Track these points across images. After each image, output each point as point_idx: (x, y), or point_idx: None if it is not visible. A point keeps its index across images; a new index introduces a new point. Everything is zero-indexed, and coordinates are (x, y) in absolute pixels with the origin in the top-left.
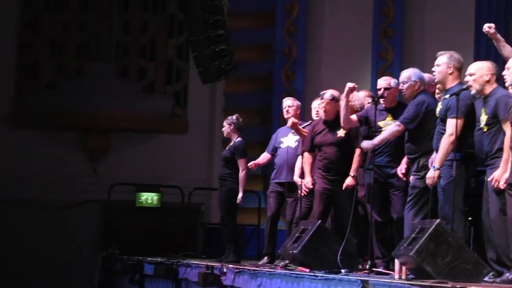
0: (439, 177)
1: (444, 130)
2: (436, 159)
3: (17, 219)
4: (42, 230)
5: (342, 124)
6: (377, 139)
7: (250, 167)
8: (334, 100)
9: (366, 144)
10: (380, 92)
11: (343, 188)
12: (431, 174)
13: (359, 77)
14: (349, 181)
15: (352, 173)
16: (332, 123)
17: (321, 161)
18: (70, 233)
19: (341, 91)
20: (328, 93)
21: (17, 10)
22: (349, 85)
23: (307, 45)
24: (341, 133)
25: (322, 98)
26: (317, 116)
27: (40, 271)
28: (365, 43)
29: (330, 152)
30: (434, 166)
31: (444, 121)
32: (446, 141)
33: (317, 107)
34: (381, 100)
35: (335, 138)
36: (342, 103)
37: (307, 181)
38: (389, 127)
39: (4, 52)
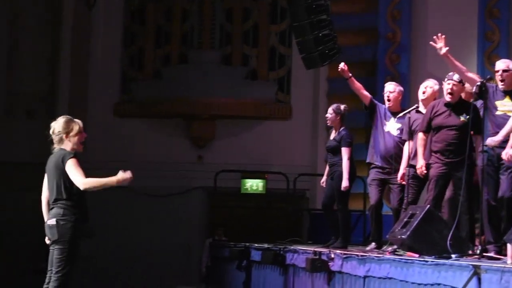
0: None
1: None
2: None
3: (124, 207)
4: (149, 217)
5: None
6: (501, 134)
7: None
8: (461, 83)
9: (490, 141)
10: (498, 74)
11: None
12: None
13: (465, 59)
14: None
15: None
16: (455, 106)
17: (439, 143)
18: (177, 219)
19: (447, 73)
20: (456, 75)
21: (122, 1)
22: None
23: (411, 28)
24: (464, 117)
25: (449, 79)
26: (423, 94)
27: (147, 257)
28: (470, 24)
29: (450, 135)
30: None
31: None
32: None
33: (425, 88)
34: (500, 83)
35: (457, 122)
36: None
37: (421, 165)
38: (511, 119)
39: (111, 43)
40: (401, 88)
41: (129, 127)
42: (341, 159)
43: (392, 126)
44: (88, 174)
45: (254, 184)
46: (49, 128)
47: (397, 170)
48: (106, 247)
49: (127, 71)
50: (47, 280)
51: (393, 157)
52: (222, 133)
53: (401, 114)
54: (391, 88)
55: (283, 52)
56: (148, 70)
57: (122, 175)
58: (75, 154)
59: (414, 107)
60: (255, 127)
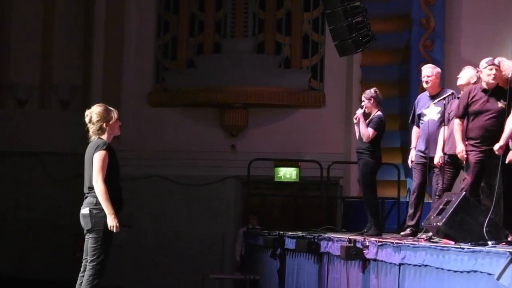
0: None
1: None
2: None
3: (158, 195)
4: (183, 206)
5: None
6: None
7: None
8: (500, 67)
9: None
10: None
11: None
12: None
13: (499, 45)
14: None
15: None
16: (493, 91)
17: (476, 130)
18: (211, 208)
19: (482, 59)
20: (497, 59)
21: None
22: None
23: (445, 14)
24: (502, 103)
25: (491, 64)
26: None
27: (181, 245)
28: (505, 11)
29: (489, 122)
30: None
31: None
32: None
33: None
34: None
35: (496, 108)
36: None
37: (461, 149)
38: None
39: (144, 32)
40: (439, 70)
41: (162, 116)
42: (368, 146)
43: (432, 112)
44: (121, 164)
45: (287, 172)
46: (84, 116)
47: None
48: (141, 236)
49: (160, 60)
50: (82, 269)
51: (435, 144)
52: (255, 122)
53: (439, 99)
54: (428, 72)
55: (316, 39)
56: (181, 59)
57: (114, 221)
58: (108, 146)
59: (450, 92)
60: (289, 115)
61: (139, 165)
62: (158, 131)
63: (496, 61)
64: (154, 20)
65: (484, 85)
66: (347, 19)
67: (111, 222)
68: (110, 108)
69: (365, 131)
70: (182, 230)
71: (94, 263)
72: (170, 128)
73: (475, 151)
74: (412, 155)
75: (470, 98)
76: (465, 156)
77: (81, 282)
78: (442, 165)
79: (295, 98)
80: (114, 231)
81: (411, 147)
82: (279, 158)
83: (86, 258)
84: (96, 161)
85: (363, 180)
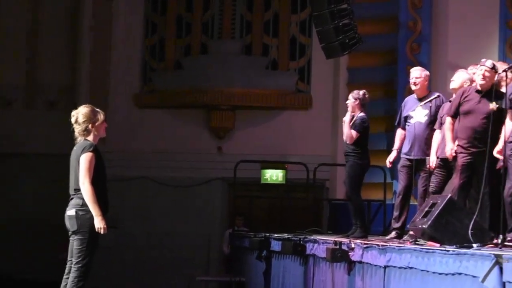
0: None
1: None
2: None
3: (144, 197)
4: (169, 208)
5: None
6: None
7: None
8: (494, 69)
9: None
10: None
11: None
12: None
13: (486, 47)
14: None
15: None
16: (486, 93)
17: (466, 130)
18: (197, 210)
19: (468, 62)
20: (489, 61)
21: None
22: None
23: (432, 17)
24: (493, 106)
25: (482, 65)
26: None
27: (167, 247)
28: (492, 13)
29: (478, 123)
30: None
31: None
32: None
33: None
34: None
35: (487, 109)
36: None
37: (450, 148)
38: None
39: (132, 33)
40: (427, 73)
41: (149, 118)
42: (355, 148)
43: (419, 114)
44: (108, 166)
45: (274, 174)
46: (70, 117)
47: (423, 159)
48: (127, 237)
49: (148, 61)
50: (66, 271)
51: (422, 144)
52: (242, 124)
53: (427, 101)
54: (417, 74)
55: (303, 41)
56: (169, 60)
57: (102, 223)
58: (95, 148)
59: (436, 95)
60: (275, 117)
61: (126, 167)
62: (145, 132)
63: (488, 63)
64: (141, 21)
65: (478, 86)
66: (334, 21)
67: (99, 224)
68: (97, 109)
69: (348, 133)
70: (168, 232)
71: (79, 265)
72: (157, 130)
73: (464, 153)
74: (391, 156)
75: (462, 98)
76: (454, 154)
77: (66, 284)
78: (433, 168)
79: (282, 100)
80: (102, 232)
81: (393, 148)
82: (265, 160)
83: (71, 260)
84: (82, 163)
85: (350, 181)
